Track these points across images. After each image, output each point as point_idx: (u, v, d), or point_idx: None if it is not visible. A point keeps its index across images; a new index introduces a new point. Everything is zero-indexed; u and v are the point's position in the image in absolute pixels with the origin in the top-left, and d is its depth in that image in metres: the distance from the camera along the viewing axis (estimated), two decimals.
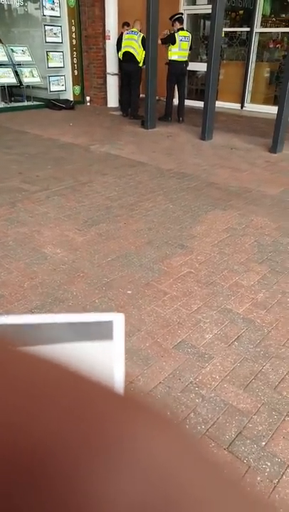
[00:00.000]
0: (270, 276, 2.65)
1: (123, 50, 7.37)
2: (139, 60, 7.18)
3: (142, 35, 7.03)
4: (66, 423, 0.12)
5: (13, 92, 8.75)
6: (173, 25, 6.89)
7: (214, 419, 1.65)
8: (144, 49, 7.00)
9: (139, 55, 7.14)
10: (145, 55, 6.53)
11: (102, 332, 0.25)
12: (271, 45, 9.26)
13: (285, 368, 1.91)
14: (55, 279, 2.54)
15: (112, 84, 9.08)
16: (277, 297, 2.44)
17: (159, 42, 6.76)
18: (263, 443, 1.57)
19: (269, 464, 1.51)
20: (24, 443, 0.12)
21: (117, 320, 0.26)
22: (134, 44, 7.16)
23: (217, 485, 0.13)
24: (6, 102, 8.57)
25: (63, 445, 0.12)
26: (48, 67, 8.72)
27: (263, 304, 2.37)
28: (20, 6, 8.77)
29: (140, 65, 7.23)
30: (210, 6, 5.77)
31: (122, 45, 7.38)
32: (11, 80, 8.33)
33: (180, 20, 7.00)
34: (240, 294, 2.46)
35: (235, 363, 1.93)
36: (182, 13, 7.74)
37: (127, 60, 7.34)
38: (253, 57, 8.83)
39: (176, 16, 6.96)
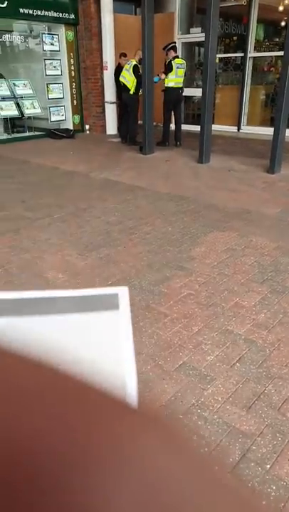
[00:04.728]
0: (271, 297, 2.65)
1: (119, 79, 7.70)
2: (130, 88, 7.43)
3: (133, 63, 7.29)
4: (64, 432, 0.12)
5: (15, 123, 9.03)
6: (167, 54, 7.14)
7: (217, 441, 1.64)
8: (136, 76, 7.26)
9: (130, 83, 7.40)
10: (142, 83, 6.74)
11: (107, 304, 0.26)
12: (265, 69, 9.54)
13: (288, 389, 1.90)
14: None
15: (111, 113, 9.33)
16: (279, 317, 2.44)
17: (164, 76, 7.04)
18: (268, 466, 1.55)
19: (274, 487, 1.48)
20: (19, 454, 0.11)
21: (122, 292, 0.27)
22: (125, 74, 7.45)
23: (217, 496, 0.13)
24: (8, 134, 8.82)
25: (59, 456, 0.11)
26: (49, 99, 9.01)
27: (265, 324, 2.37)
28: (21, 42, 9.14)
29: (131, 92, 7.46)
30: (203, 34, 5.97)
31: (120, 75, 7.70)
32: (14, 112, 8.61)
33: (174, 48, 7.27)
34: (241, 314, 2.46)
35: (238, 385, 1.92)
36: (175, 42, 8.03)
37: (123, 89, 7.64)
38: (247, 80, 9.07)
39: (171, 45, 7.22)
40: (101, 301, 0.26)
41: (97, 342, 0.25)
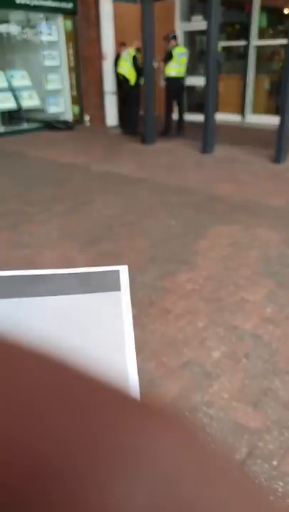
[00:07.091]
0: (278, 290, 2.60)
1: (118, 70, 7.57)
2: (129, 79, 7.33)
3: (132, 54, 7.19)
4: (71, 433, 0.11)
5: (13, 115, 8.91)
6: (168, 43, 7.05)
7: (224, 438, 1.61)
8: (135, 68, 7.16)
9: (129, 73, 7.30)
10: (143, 72, 6.65)
11: (109, 282, 0.25)
12: (269, 57, 9.37)
13: None
14: None
15: (110, 103, 9.23)
16: (285, 311, 2.39)
17: (162, 64, 6.96)
18: (275, 462, 1.52)
19: (282, 483, 1.46)
20: (22, 461, 0.10)
21: (123, 270, 0.26)
22: (124, 64, 7.35)
23: (231, 492, 0.12)
24: (6, 126, 8.71)
25: (69, 460, 0.11)
26: (47, 90, 8.90)
27: (271, 319, 2.33)
28: (18, 33, 9.00)
29: (131, 83, 7.35)
30: (205, 23, 5.86)
31: (118, 66, 7.59)
32: (11, 104, 8.50)
33: (175, 38, 7.20)
34: (246, 309, 2.42)
35: (244, 381, 1.89)
36: (175, 31, 7.93)
37: (123, 80, 7.54)
38: (251, 69, 8.94)
39: (172, 35, 7.15)
40: (103, 279, 0.23)
41: (99, 324, 0.21)
